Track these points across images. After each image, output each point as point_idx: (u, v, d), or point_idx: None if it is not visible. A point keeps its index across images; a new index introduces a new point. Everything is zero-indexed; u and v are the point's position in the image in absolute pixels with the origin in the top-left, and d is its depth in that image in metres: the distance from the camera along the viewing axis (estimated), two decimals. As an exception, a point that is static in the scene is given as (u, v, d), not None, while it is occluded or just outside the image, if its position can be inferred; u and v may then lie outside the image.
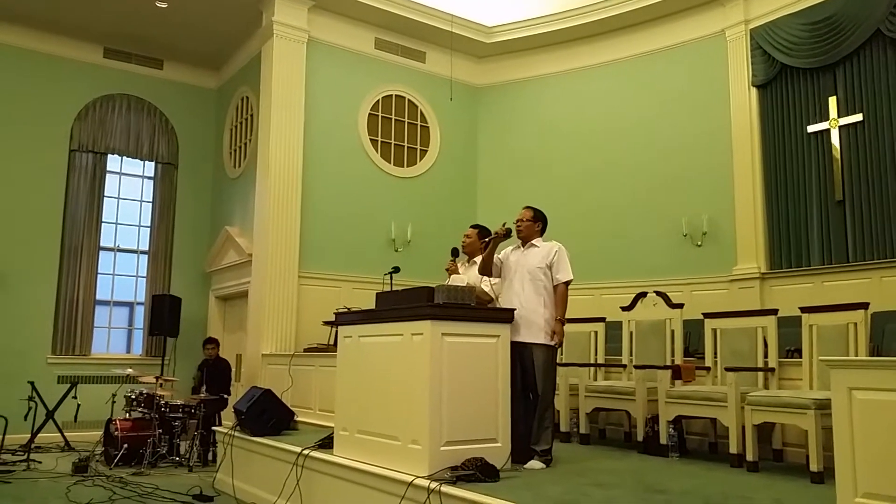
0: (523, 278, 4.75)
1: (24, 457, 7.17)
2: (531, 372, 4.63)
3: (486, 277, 4.93)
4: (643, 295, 6.17)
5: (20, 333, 8.91)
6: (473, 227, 5.41)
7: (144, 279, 10.11)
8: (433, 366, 4.14)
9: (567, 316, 6.88)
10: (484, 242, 5.03)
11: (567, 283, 4.75)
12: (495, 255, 4.92)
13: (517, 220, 4.93)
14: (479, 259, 5.08)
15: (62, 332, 9.24)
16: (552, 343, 4.65)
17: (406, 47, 9.70)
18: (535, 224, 4.92)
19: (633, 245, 8.78)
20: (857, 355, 4.56)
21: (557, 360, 6.38)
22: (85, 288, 9.43)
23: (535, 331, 4.62)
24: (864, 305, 4.74)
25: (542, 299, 4.69)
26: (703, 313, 5.75)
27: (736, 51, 8.28)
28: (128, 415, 7.52)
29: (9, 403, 7.64)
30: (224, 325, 10.08)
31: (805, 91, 7.72)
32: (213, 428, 7.18)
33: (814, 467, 4.16)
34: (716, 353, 5.49)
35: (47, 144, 9.44)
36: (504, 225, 4.81)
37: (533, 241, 4.88)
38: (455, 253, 5.51)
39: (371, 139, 9.35)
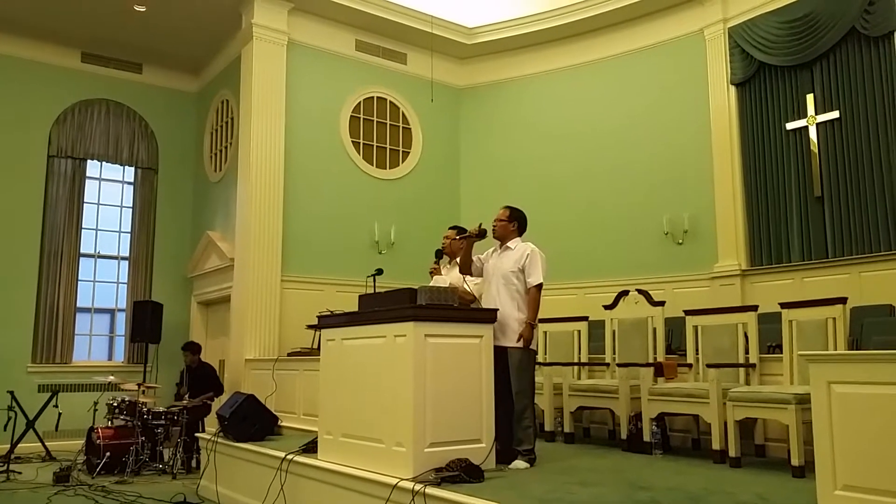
0: (498, 282, 4.76)
1: (4, 467, 7.05)
2: (509, 374, 4.64)
3: (467, 277, 4.95)
4: (625, 293, 6.20)
5: (-1, 342, 8.80)
6: (452, 228, 5.42)
7: (125, 285, 10.02)
8: (416, 367, 4.13)
9: (551, 315, 6.96)
10: (461, 240, 5.05)
11: (538, 287, 4.70)
12: (476, 256, 4.94)
13: (494, 220, 4.93)
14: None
15: (42, 340, 9.13)
16: (522, 346, 4.64)
17: (387, 49, 9.69)
18: (511, 224, 4.90)
19: (615, 244, 8.82)
20: (836, 349, 4.60)
21: (541, 360, 6.45)
22: (65, 295, 9.34)
23: (510, 335, 4.63)
24: (843, 300, 4.79)
25: (517, 303, 4.69)
26: (684, 310, 5.78)
27: (714, 49, 8.35)
28: (110, 422, 7.44)
29: (-12, 413, 7.55)
30: (207, 330, 10.01)
31: (783, 89, 7.79)
32: (197, 434, 7.12)
33: (795, 461, 4.19)
34: (697, 350, 5.52)
35: (26, 150, 9.33)
36: (480, 225, 4.83)
37: (508, 244, 4.87)
38: (439, 255, 5.51)
39: (353, 141, 9.32)
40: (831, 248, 7.24)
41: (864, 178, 7.06)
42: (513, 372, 4.61)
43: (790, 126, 7.67)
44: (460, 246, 5.08)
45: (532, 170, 9.60)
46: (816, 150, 7.44)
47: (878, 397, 2.88)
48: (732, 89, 8.18)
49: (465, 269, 4.91)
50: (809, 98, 7.54)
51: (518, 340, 4.62)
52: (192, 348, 8.25)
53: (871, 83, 7.07)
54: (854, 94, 7.21)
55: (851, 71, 7.24)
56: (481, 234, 4.81)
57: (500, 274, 4.77)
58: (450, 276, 5.23)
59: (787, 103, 7.75)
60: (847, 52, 7.28)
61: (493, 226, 4.91)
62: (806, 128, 7.55)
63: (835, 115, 7.32)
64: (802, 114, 7.59)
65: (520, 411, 4.60)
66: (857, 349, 5.35)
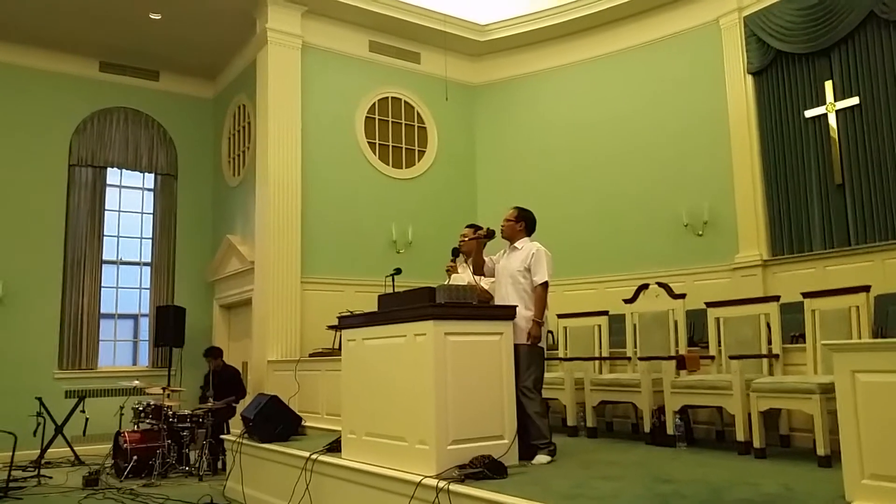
0: (507, 282, 4.83)
1: (35, 472, 7.20)
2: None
3: (480, 277, 5.01)
4: (645, 287, 6.16)
5: (26, 349, 8.93)
6: (469, 226, 5.43)
7: (148, 291, 10.14)
8: (437, 366, 4.15)
9: (570, 310, 6.96)
10: (470, 241, 5.11)
11: (544, 285, 4.74)
12: (488, 257, 5.04)
13: (502, 221, 5.01)
14: (476, 258, 5.13)
15: (68, 347, 9.27)
16: (530, 343, 4.66)
17: (400, 49, 9.71)
18: (518, 224, 4.96)
19: (635, 237, 8.77)
20: (859, 338, 4.55)
21: (561, 356, 6.45)
22: (89, 302, 9.46)
23: (519, 333, 4.66)
24: (866, 288, 4.73)
25: (525, 302, 4.74)
26: (705, 302, 5.74)
27: (730, 39, 8.26)
28: (136, 427, 7.54)
29: (17, 420, 7.64)
30: (229, 333, 10.10)
31: (801, 76, 7.70)
32: (222, 436, 7.19)
33: (821, 451, 4.16)
34: (720, 342, 5.48)
35: (47, 160, 9.48)
36: (487, 227, 4.98)
37: (516, 244, 4.93)
38: (455, 253, 5.52)
39: (369, 142, 9.35)
40: (853, 236, 7.14)
41: (885, 163, 6.95)
42: (521, 367, 4.62)
43: (809, 114, 7.57)
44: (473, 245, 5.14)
45: (549, 165, 9.58)
46: (836, 137, 7.35)
47: (904, 385, 2.85)
48: (749, 78, 8.09)
49: (478, 270, 5.03)
50: (828, 85, 7.44)
51: (527, 339, 4.65)
52: (214, 353, 8.34)
53: (892, 68, 6.96)
54: (874, 79, 7.10)
55: (871, 56, 7.13)
56: (489, 234, 4.95)
57: (508, 274, 4.85)
58: (466, 273, 5.26)
59: (805, 91, 7.66)
60: (866, 37, 7.17)
61: (502, 226, 4.99)
62: (825, 115, 7.45)
63: (854, 101, 7.22)
64: (821, 101, 7.49)
65: (531, 406, 4.61)
66: (882, 337, 5.29)
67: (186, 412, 7.50)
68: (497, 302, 4.85)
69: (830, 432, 4.04)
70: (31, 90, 9.48)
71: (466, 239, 5.26)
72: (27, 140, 9.37)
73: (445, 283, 5.19)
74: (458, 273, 5.42)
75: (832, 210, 7.34)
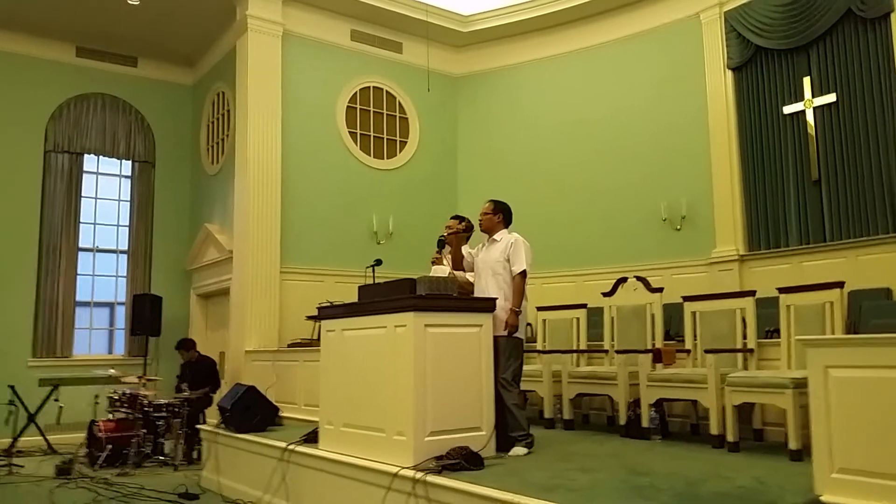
0: (487, 274, 4.85)
1: (6, 461, 7.10)
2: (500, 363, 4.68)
3: (459, 272, 5.03)
4: (623, 280, 6.20)
5: (-1, 337, 8.81)
6: (454, 217, 5.42)
7: (125, 279, 10.03)
8: (417, 357, 4.15)
9: (550, 303, 6.99)
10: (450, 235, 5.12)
11: (522, 274, 4.77)
12: (467, 251, 5.07)
13: (480, 214, 5.03)
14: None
15: (42, 335, 9.14)
16: (514, 334, 4.69)
17: (382, 38, 9.65)
18: (496, 216, 4.99)
19: (614, 231, 8.82)
20: (833, 334, 4.62)
21: (540, 348, 6.48)
22: (64, 289, 9.34)
23: (499, 324, 4.68)
24: (840, 284, 4.80)
25: (504, 293, 4.76)
26: (682, 297, 5.79)
27: (710, 34, 8.31)
28: (111, 416, 7.46)
29: (-10, 408, 7.58)
30: (206, 322, 10.02)
31: (780, 72, 7.77)
32: (198, 426, 7.14)
33: (793, 445, 4.22)
34: (696, 336, 5.53)
35: (22, 146, 9.31)
36: (467, 221, 5.07)
37: (495, 236, 4.95)
38: (441, 244, 5.51)
39: (350, 132, 9.31)
40: (829, 232, 7.24)
41: (861, 160, 7.05)
42: (500, 360, 4.64)
43: (787, 110, 7.65)
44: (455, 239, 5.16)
45: (529, 157, 9.59)
46: (814, 134, 7.43)
47: (875, 381, 2.89)
48: (729, 74, 8.15)
49: (457, 264, 5.05)
50: (806, 81, 7.52)
51: (504, 329, 4.66)
52: (186, 345, 8.25)
53: (868, 65, 7.05)
54: (851, 76, 7.19)
55: (848, 53, 7.22)
56: (468, 228, 5.01)
57: (488, 266, 4.87)
58: (450, 265, 5.26)
59: (783, 87, 7.73)
60: (843, 34, 7.25)
61: (479, 220, 5.01)
62: (803, 111, 7.53)
63: (832, 98, 7.31)
64: (799, 97, 7.57)
65: (509, 398, 4.63)
66: (855, 333, 5.37)
67: (162, 401, 7.43)
68: (476, 294, 4.87)
69: (802, 427, 4.10)
70: (6, 75, 9.30)
71: (448, 233, 5.26)
72: (1, 126, 9.19)
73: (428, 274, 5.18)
74: (442, 265, 5.41)
75: (808, 206, 7.43)
